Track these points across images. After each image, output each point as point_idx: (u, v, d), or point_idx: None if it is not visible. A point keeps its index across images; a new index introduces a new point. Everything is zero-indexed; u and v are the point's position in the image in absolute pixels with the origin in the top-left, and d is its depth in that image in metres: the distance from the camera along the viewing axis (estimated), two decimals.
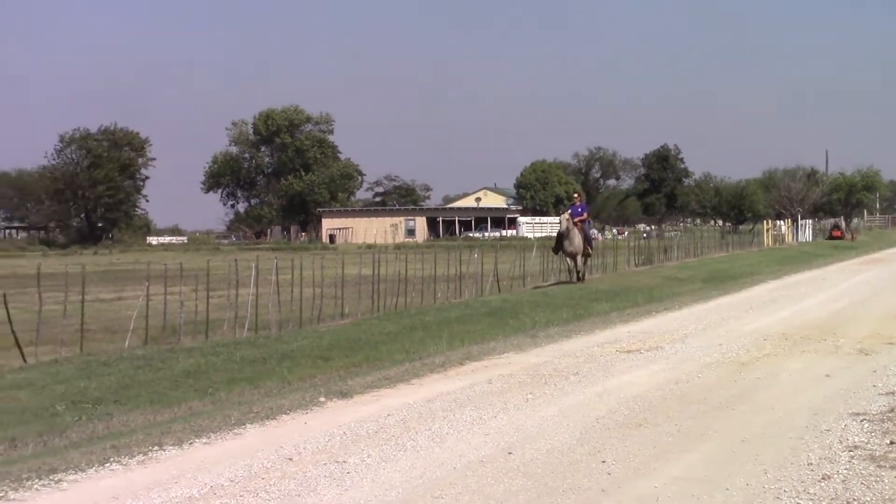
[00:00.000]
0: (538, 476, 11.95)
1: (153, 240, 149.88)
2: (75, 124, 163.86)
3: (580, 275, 43.51)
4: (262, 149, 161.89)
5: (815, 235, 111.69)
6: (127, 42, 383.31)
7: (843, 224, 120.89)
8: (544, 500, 10.91)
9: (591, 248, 45.54)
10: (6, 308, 24.03)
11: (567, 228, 41.85)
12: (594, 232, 57.92)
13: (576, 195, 47.35)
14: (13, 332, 24.01)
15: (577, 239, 42.04)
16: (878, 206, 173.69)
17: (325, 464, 12.80)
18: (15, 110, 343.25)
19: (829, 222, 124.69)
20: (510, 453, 13.13)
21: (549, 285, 43.12)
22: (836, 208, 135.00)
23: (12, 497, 11.68)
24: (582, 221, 43.04)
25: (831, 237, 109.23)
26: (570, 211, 43.63)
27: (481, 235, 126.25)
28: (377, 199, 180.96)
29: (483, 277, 42.26)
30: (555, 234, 45.68)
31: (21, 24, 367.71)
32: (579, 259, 43.17)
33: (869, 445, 13.05)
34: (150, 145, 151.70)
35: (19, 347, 23.77)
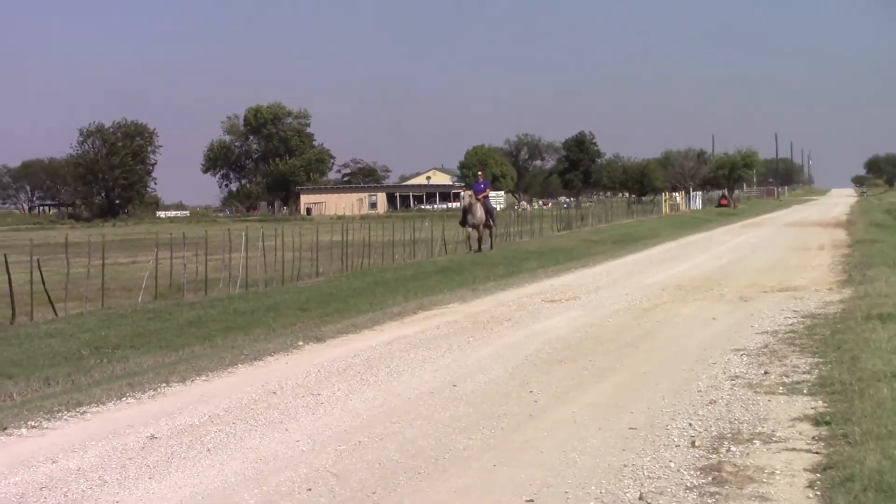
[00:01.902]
0: (477, 404, 11.97)
1: (161, 214, 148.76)
2: (95, 118, 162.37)
3: (481, 244, 40.66)
4: (251, 138, 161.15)
5: (704, 204, 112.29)
6: (137, 47, 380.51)
7: (728, 195, 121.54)
8: (483, 423, 10.92)
9: (494, 220, 42.46)
10: (40, 271, 23.86)
11: (470, 203, 40.12)
12: (524, 204, 57.34)
13: (479, 173, 45.24)
14: (46, 290, 23.84)
15: (479, 212, 40.02)
16: (755, 180, 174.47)
17: (302, 396, 12.79)
18: (44, 108, 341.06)
19: (716, 193, 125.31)
20: (455, 385, 13.14)
21: (477, 250, 43.09)
22: (721, 182, 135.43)
23: (46, 426, 11.64)
24: (485, 197, 40.97)
25: (720, 205, 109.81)
26: (473, 188, 41.84)
27: (431, 207, 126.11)
28: (345, 178, 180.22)
29: (433, 242, 42.19)
30: (493, 208, 44.65)
31: (45, 34, 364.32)
32: (482, 229, 40.69)
33: (747, 375, 13.12)
34: (157, 136, 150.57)
35: (51, 303, 23.61)
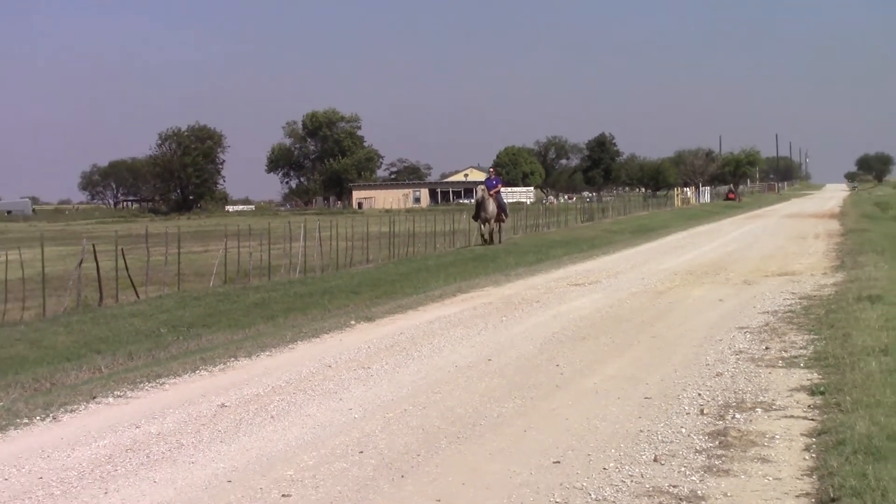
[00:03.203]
0: (510, 376, 11.97)
1: (230, 208, 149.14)
2: (172, 123, 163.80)
3: (492, 237, 38.28)
4: (309, 140, 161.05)
5: (712, 198, 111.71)
6: (211, 61, 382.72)
7: (734, 189, 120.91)
8: (514, 393, 10.93)
9: (506, 215, 39.87)
10: (124, 259, 24.03)
11: (482, 198, 37.84)
12: (551, 199, 56.54)
13: (491, 170, 42.50)
14: (129, 276, 24.01)
15: (490, 207, 37.56)
16: (758, 176, 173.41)
17: (354, 369, 12.82)
18: (128, 114, 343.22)
19: (723, 188, 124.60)
20: (489, 360, 13.15)
21: (518, 237, 43.04)
22: (727, 178, 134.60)
23: (130, 395, 11.73)
24: (496, 192, 38.28)
25: (727, 199, 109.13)
26: (485, 183, 39.32)
27: (469, 202, 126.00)
28: (392, 175, 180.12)
29: (470, 233, 42.16)
30: (523, 201, 44.15)
31: (131, 51, 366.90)
32: (493, 223, 38.17)
33: (750, 351, 13.07)
34: (225, 138, 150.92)
35: (134, 287, 23.78)
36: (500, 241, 38.49)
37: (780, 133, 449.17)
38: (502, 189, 40.82)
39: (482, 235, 38.81)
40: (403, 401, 10.78)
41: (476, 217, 38.91)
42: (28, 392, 12.60)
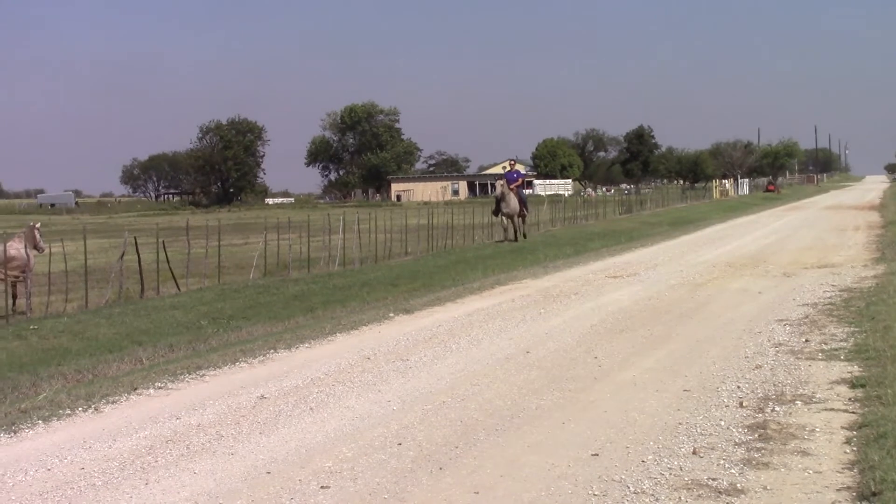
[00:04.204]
0: (548, 368, 11.94)
1: (269, 200, 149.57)
2: (212, 116, 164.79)
3: (517, 233, 36.38)
4: (348, 133, 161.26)
5: (751, 190, 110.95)
6: (251, 55, 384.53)
7: (774, 181, 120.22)
8: (553, 386, 10.89)
9: (527, 209, 37.75)
10: (165, 251, 24.12)
11: (503, 193, 35.78)
12: (589, 191, 55.70)
13: (511, 163, 40.88)
14: (170, 268, 24.13)
15: (512, 201, 35.59)
16: (796, 168, 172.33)
17: (393, 361, 12.83)
18: (168, 108, 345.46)
19: (763, 180, 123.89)
20: (528, 352, 13.12)
21: (556, 229, 42.92)
22: (766, 170, 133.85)
23: (170, 387, 11.78)
24: (518, 186, 36.52)
25: (767, 190, 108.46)
26: (506, 177, 37.07)
27: None
28: (431, 168, 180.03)
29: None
30: (562, 193, 43.19)
31: (170, 46, 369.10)
32: (516, 219, 36.26)
33: (790, 343, 12.97)
34: (265, 131, 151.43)
35: (174, 279, 23.88)
36: (523, 237, 36.62)
37: (818, 124, 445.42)
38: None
39: (505, 231, 36.80)
40: (442, 393, 10.77)
41: (496, 213, 36.90)
42: (70, 383, 12.69)
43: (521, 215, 36.74)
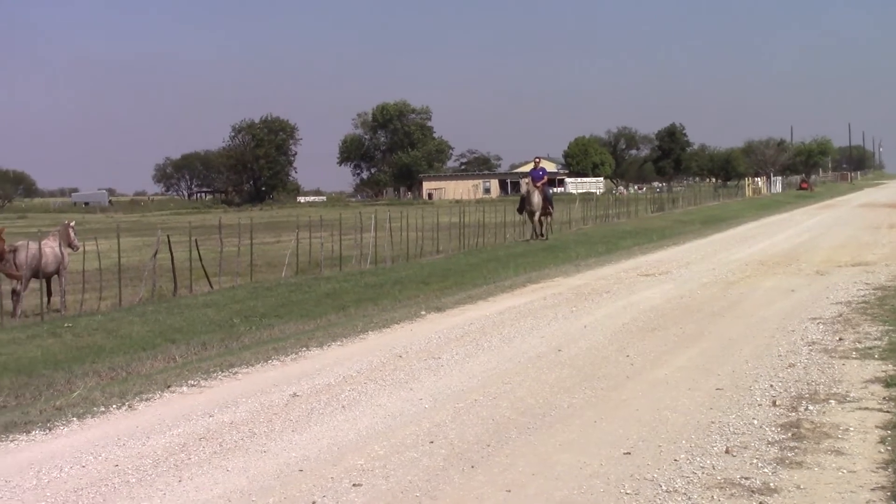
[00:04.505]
0: (580, 367, 11.91)
1: (301, 199, 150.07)
2: (245, 115, 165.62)
3: (541, 231, 36.13)
4: (379, 132, 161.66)
5: (784, 188, 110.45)
6: (283, 55, 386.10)
7: (807, 179, 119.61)
8: (584, 384, 10.87)
9: (552, 207, 37.37)
10: (198, 249, 24.23)
11: (528, 191, 35.74)
12: (621, 189, 55.27)
13: (536, 160, 40.16)
14: (203, 266, 24.24)
15: (536, 199, 35.36)
16: (830, 165, 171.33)
17: (425, 359, 12.83)
18: (200, 107, 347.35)
19: (796, 178, 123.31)
20: (559, 350, 13.09)
21: (588, 228, 42.82)
22: (799, 168, 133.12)
23: (203, 384, 11.83)
24: (543, 184, 36.13)
25: (800, 188, 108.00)
26: (531, 175, 36.85)
27: None
28: (462, 166, 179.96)
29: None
30: (593, 191, 42.96)
31: (203, 46, 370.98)
32: (542, 216, 36.01)
33: (823, 342, 12.89)
34: (297, 130, 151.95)
35: (207, 277, 24.00)
36: (545, 237, 36.20)
37: (852, 122, 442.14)
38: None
39: (533, 229, 36.52)
40: (474, 391, 10.76)
41: (521, 210, 36.92)
42: (104, 381, 12.75)
43: (547, 213, 36.58)
